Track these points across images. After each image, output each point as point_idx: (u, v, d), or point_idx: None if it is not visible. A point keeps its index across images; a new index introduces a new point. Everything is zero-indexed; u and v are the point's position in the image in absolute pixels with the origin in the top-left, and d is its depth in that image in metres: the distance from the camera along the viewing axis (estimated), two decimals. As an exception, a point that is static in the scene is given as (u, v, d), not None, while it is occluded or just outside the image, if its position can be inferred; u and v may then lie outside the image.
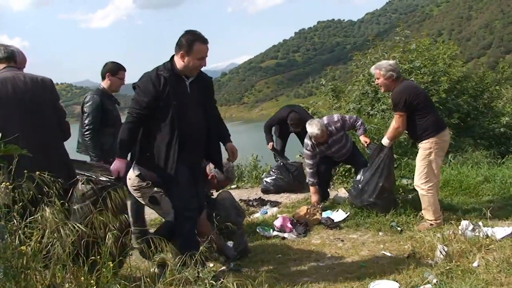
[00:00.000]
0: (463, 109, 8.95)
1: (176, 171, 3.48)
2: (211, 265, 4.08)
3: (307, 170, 5.90)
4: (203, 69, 3.69)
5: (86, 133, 4.60)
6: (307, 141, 5.77)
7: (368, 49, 10.47)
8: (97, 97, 4.73)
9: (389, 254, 4.19)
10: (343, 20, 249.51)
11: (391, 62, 5.08)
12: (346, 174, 7.26)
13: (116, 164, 3.48)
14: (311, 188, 5.88)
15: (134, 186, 3.89)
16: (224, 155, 3.97)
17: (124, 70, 4.94)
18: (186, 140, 3.53)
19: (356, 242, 4.64)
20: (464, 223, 4.39)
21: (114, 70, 4.87)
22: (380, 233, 4.83)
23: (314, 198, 5.83)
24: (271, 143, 7.48)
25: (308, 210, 5.29)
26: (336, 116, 5.81)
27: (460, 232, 4.18)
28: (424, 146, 4.72)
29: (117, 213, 2.89)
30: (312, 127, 5.56)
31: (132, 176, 3.81)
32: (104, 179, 3.39)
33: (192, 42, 3.49)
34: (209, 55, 3.64)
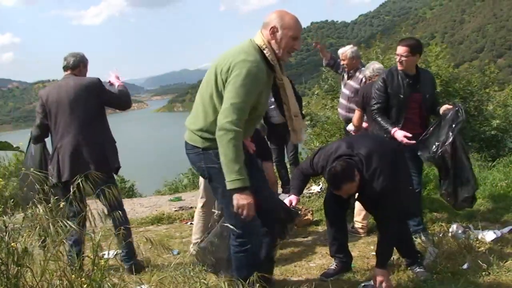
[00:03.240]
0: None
1: None
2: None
3: None
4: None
5: None
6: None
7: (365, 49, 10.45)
8: None
9: (379, 255, 4.20)
10: (337, 21, 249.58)
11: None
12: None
13: None
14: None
15: None
16: None
17: None
18: None
19: (347, 243, 4.65)
20: (454, 225, 4.43)
21: None
22: (371, 234, 4.84)
23: None
24: None
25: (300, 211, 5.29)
26: None
27: (450, 235, 4.21)
28: None
29: None
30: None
31: None
32: None
33: None
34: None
